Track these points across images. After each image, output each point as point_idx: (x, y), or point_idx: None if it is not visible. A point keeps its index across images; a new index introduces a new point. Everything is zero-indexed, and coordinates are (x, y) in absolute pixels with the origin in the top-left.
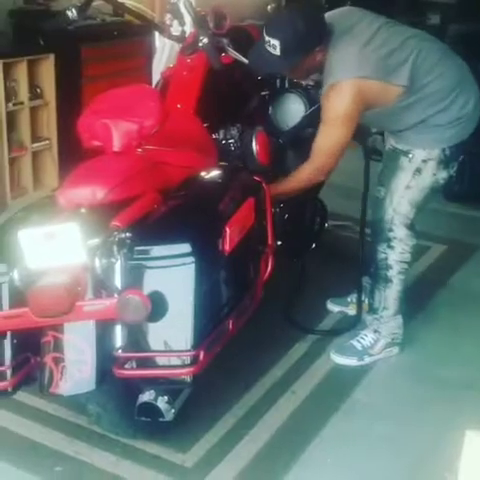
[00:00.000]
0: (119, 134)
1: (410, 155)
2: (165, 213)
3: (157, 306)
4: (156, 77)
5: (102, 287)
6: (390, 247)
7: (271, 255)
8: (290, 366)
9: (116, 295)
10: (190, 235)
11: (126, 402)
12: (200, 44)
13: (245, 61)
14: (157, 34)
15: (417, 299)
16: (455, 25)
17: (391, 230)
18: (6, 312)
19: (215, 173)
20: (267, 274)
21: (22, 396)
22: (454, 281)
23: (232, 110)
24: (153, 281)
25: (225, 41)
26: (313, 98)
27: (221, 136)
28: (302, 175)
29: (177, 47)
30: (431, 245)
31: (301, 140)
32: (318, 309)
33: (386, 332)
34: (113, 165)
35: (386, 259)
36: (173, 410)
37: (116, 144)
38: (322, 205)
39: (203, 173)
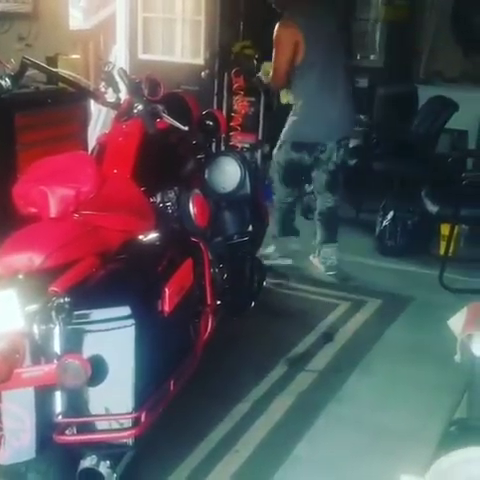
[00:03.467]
0: (55, 200)
1: None
2: (104, 276)
3: (97, 370)
4: (92, 143)
5: (41, 353)
6: None
7: (211, 314)
8: (233, 425)
9: (55, 360)
10: (129, 297)
11: (67, 469)
12: (135, 111)
13: (180, 126)
14: (92, 101)
15: (354, 353)
16: (382, 88)
17: None
18: None
19: (152, 236)
20: (207, 333)
21: None
22: (389, 334)
23: (169, 174)
24: (93, 345)
25: (160, 107)
26: (248, 161)
27: (158, 199)
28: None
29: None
30: (367, 300)
31: (237, 202)
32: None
33: None
34: (50, 231)
35: None
36: (115, 475)
37: (53, 210)
38: (260, 264)
39: (140, 236)
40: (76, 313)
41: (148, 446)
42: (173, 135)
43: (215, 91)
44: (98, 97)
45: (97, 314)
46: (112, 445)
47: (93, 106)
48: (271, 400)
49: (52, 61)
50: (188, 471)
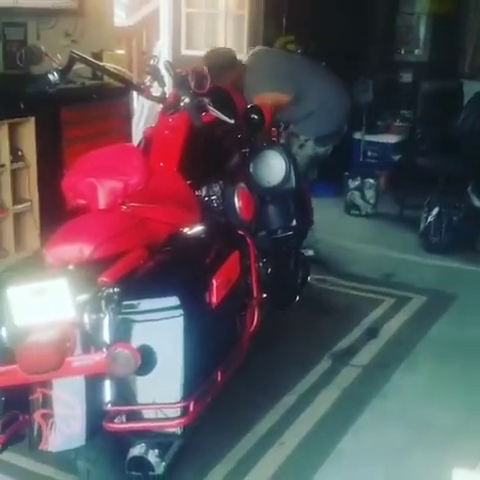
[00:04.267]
0: (104, 192)
1: None
2: (152, 267)
3: (146, 359)
4: (136, 137)
5: (90, 342)
6: None
7: (257, 307)
8: (279, 417)
9: (105, 349)
10: (178, 288)
11: (116, 457)
12: (182, 104)
13: (227, 119)
14: (136, 95)
15: (399, 349)
16: (426, 82)
17: None
18: None
19: (199, 229)
20: (254, 326)
21: (8, 455)
22: (434, 330)
23: (214, 167)
24: (142, 334)
25: (206, 100)
26: (293, 155)
27: (204, 193)
28: None
29: (156, 108)
30: (412, 296)
31: (281, 196)
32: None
33: None
34: (99, 222)
35: None
36: (164, 463)
37: (101, 202)
38: (305, 258)
39: (187, 229)
40: (125, 303)
41: (194, 436)
42: (219, 128)
43: None
44: (143, 91)
45: (146, 304)
46: (160, 434)
47: (136, 102)
48: (316, 394)
49: (97, 57)
50: (233, 462)
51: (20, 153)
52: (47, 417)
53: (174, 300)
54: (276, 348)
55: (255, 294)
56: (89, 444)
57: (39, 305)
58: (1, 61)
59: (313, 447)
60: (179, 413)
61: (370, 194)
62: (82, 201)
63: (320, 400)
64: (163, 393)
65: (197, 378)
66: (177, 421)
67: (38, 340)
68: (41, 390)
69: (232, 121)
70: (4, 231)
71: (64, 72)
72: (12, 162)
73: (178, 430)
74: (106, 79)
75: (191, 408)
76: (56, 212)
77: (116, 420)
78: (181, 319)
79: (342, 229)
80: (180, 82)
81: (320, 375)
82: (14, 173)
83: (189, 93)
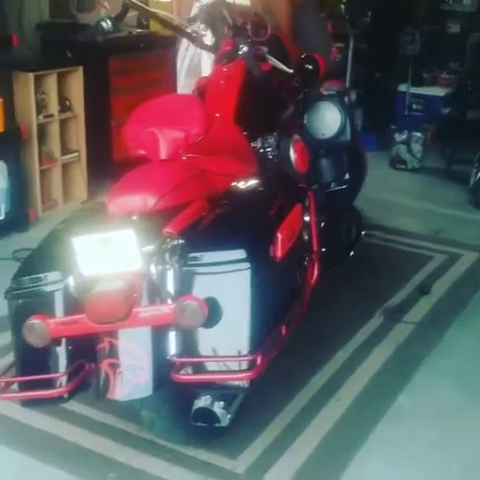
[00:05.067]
0: (166, 142)
1: None
2: (217, 219)
3: (212, 311)
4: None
5: (156, 294)
6: None
7: (317, 261)
8: (333, 373)
9: (170, 301)
10: (244, 241)
11: (180, 408)
12: (240, 52)
13: (286, 69)
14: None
15: (452, 306)
16: (475, 33)
17: None
18: (64, 318)
19: (260, 180)
20: (314, 280)
21: (71, 404)
22: None
23: (269, 118)
24: (206, 287)
25: (265, 49)
26: (348, 107)
27: (259, 145)
28: None
29: (195, 61)
30: (462, 253)
31: (335, 148)
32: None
33: None
34: (161, 173)
35: None
36: (229, 415)
37: (163, 152)
38: (357, 213)
39: (247, 181)
40: (191, 255)
41: (254, 389)
42: (274, 78)
43: None
44: (196, 40)
45: (211, 256)
46: (226, 386)
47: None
48: (370, 350)
49: (144, 4)
50: (292, 415)
51: (68, 103)
52: (114, 366)
53: (241, 253)
54: (327, 303)
55: (315, 248)
56: (155, 395)
57: (106, 255)
58: (47, 9)
59: (369, 404)
60: (246, 366)
61: (417, 148)
62: (142, 151)
63: (374, 357)
64: (230, 346)
65: (263, 332)
66: (245, 374)
67: (106, 290)
68: (108, 339)
69: (291, 71)
70: (53, 182)
71: (118, 19)
72: (60, 112)
73: (244, 383)
74: (152, 28)
75: (259, 361)
76: (103, 163)
77: (182, 372)
78: (248, 272)
79: (388, 183)
80: (238, 30)
81: (372, 331)
82: (62, 123)
83: (247, 41)
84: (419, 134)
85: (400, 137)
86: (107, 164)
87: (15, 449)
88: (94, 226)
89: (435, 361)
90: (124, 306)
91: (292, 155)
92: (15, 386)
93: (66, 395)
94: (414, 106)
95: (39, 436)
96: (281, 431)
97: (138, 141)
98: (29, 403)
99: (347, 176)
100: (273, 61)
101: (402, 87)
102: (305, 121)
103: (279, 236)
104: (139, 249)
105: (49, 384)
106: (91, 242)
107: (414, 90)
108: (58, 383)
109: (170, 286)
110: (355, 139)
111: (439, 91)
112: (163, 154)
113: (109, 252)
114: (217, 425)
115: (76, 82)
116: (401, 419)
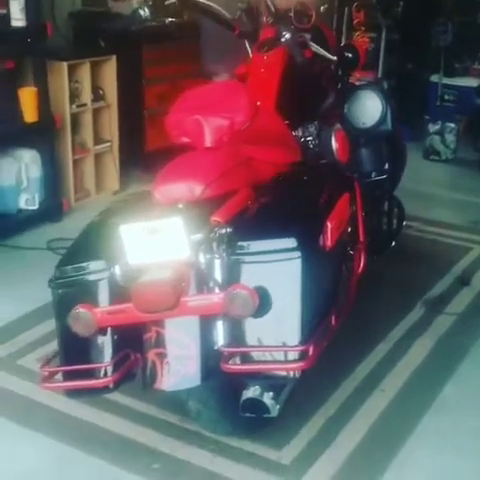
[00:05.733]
0: (210, 130)
1: None
2: (265, 208)
3: (262, 301)
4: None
5: (204, 283)
6: None
7: (363, 251)
8: (376, 364)
9: (219, 290)
10: (295, 230)
11: (226, 399)
12: (283, 40)
13: (330, 57)
14: None
15: None
16: None
17: None
18: (110, 307)
19: (306, 169)
20: (360, 270)
21: (113, 394)
22: None
23: (310, 107)
24: (256, 276)
25: (308, 36)
26: (389, 96)
27: (300, 133)
28: None
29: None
30: None
31: (376, 138)
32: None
33: None
34: (207, 161)
35: None
36: (278, 406)
37: (207, 140)
38: (398, 203)
39: (294, 169)
40: (240, 244)
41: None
42: (315, 66)
43: (334, 26)
44: (235, 28)
45: (260, 245)
46: (276, 377)
47: None
48: (412, 342)
49: None
50: (337, 405)
51: (101, 92)
52: (161, 356)
53: (292, 242)
54: (368, 294)
55: (362, 238)
56: (202, 385)
57: (153, 244)
58: None
59: (414, 395)
60: (297, 356)
61: (450, 139)
62: (186, 139)
63: (416, 348)
64: (281, 336)
65: (314, 322)
66: (298, 364)
67: (154, 279)
68: (156, 329)
69: (335, 58)
70: (85, 171)
71: (156, 8)
72: (93, 101)
73: (296, 373)
74: (186, 17)
75: (310, 352)
76: (134, 153)
77: (231, 362)
78: (299, 261)
79: (422, 174)
80: (281, 17)
81: (413, 323)
82: (95, 112)
83: (291, 28)
84: (453, 125)
85: (434, 128)
86: (139, 154)
87: (56, 439)
88: (139, 215)
89: (478, 353)
90: (172, 295)
91: (334, 144)
92: (59, 376)
93: (111, 385)
94: (446, 97)
95: (80, 426)
96: (325, 422)
97: (182, 129)
98: (73, 393)
99: (387, 166)
100: (316, 48)
101: (434, 78)
102: (345, 110)
103: (329, 225)
104: (187, 238)
105: (94, 374)
106: (138, 230)
107: (446, 81)
108: (103, 373)
109: (218, 275)
110: (396, 128)
111: (472, 82)
112: (208, 142)
113: (156, 240)
114: (266, 416)
115: (109, 71)
116: (447, 409)
